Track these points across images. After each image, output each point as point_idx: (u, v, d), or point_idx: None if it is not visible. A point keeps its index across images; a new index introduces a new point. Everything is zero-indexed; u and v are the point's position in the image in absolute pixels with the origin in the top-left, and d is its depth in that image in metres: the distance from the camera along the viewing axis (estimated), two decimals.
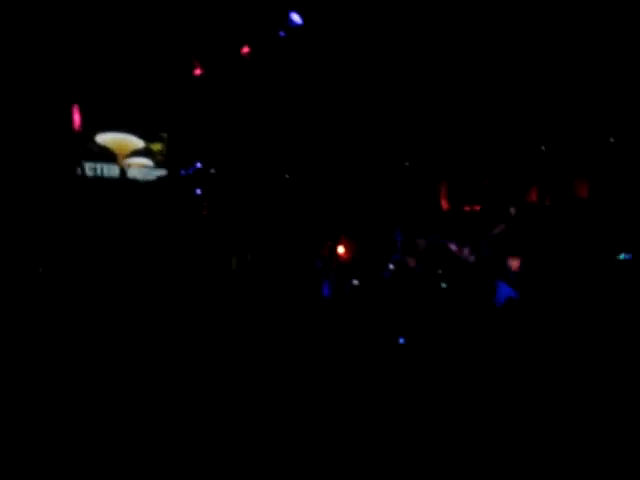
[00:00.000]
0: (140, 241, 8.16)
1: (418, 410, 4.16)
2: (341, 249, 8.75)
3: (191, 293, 7.37)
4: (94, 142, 9.51)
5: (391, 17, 7.99)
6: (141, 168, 9.86)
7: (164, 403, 4.33)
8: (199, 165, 9.39)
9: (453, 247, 7.13)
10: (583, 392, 4.41)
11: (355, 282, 7.29)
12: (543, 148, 8.10)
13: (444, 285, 6.70)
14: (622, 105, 7.69)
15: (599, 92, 7.65)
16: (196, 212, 9.04)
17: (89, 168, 9.48)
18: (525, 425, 3.93)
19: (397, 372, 4.95)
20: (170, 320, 6.35)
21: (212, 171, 9.33)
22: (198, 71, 8.41)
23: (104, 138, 9.58)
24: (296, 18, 7.48)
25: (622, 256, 7.02)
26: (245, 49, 8.13)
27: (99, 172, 9.50)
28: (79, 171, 9.26)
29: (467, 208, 8.53)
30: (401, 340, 4.27)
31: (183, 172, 9.37)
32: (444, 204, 8.63)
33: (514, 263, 6.59)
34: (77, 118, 8.88)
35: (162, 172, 9.71)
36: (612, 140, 7.74)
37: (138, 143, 9.78)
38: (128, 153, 9.76)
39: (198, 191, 9.36)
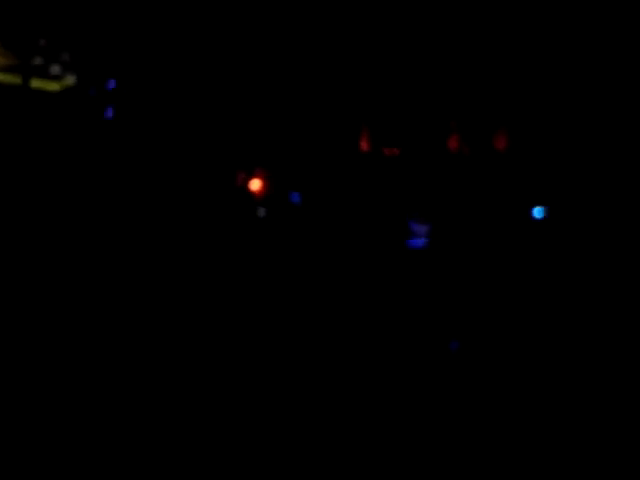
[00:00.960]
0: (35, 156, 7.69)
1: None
2: (255, 183, 8.54)
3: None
4: None
5: None
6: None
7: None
8: (112, 84, 8.86)
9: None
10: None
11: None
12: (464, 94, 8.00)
13: None
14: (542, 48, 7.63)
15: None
16: (105, 136, 8.56)
17: None
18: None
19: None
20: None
21: (125, 90, 8.81)
22: None
23: None
24: None
25: (537, 211, 7.08)
26: None
27: None
28: None
29: (386, 151, 8.42)
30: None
31: (92, 91, 8.83)
32: (364, 145, 8.47)
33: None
34: None
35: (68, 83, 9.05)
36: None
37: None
38: None
39: (110, 112, 8.84)
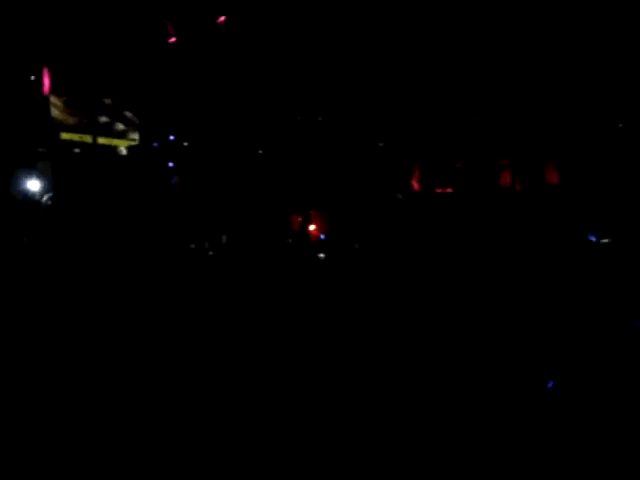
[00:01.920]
0: (110, 215, 8.05)
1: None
2: (312, 226, 8.75)
3: (161, 273, 7.30)
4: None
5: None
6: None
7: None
8: (172, 137, 9.28)
9: None
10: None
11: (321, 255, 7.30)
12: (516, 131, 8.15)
13: None
14: (599, 92, 7.75)
15: (573, 78, 7.69)
16: (168, 186, 8.94)
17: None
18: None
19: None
20: (140, 299, 6.27)
21: (185, 144, 9.23)
22: (173, 39, 8.32)
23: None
24: None
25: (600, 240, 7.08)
26: (221, 19, 8.05)
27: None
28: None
29: (439, 190, 8.57)
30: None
31: (155, 144, 9.26)
32: (415, 185, 8.65)
33: None
34: (47, 82, 8.73)
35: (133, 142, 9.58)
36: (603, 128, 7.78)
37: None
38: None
39: (170, 164, 9.25)
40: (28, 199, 8.20)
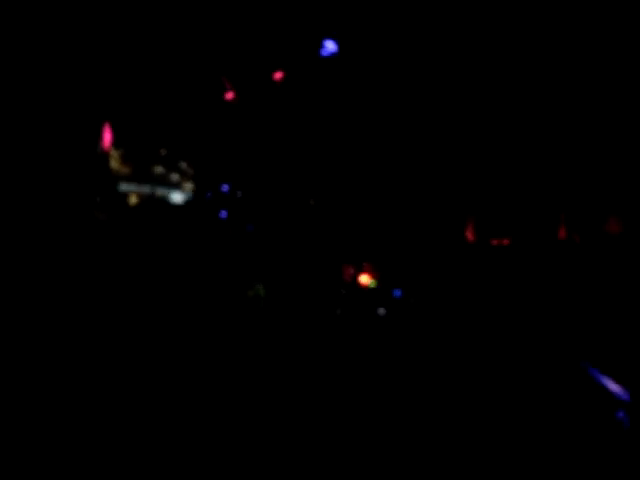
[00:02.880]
0: (164, 262, 8.17)
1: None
2: (364, 277, 8.68)
3: (210, 319, 7.34)
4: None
5: (422, 47, 8.01)
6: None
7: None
8: (225, 188, 9.43)
9: None
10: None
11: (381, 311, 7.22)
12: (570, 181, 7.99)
13: None
14: None
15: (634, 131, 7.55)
16: (221, 235, 9.05)
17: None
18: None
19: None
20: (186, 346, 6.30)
21: (238, 194, 9.36)
22: (230, 95, 8.49)
23: None
24: (330, 46, 7.53)
25: None
26: (278, 74, 8.18)
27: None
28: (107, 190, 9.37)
29: (495, 242, 8.42)
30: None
31: (209, 194, 9.42)
32: (470, 236, 8.52)
33: None
34: (108, 137, 9.00)
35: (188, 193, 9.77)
36: None
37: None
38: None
39: (224, 214, 9.37)
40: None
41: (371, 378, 5.73)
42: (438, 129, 8.46)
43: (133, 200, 9.18)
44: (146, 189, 9.17)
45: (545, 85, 7.79)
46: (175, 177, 9.51)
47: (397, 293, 8.49)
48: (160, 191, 9.30)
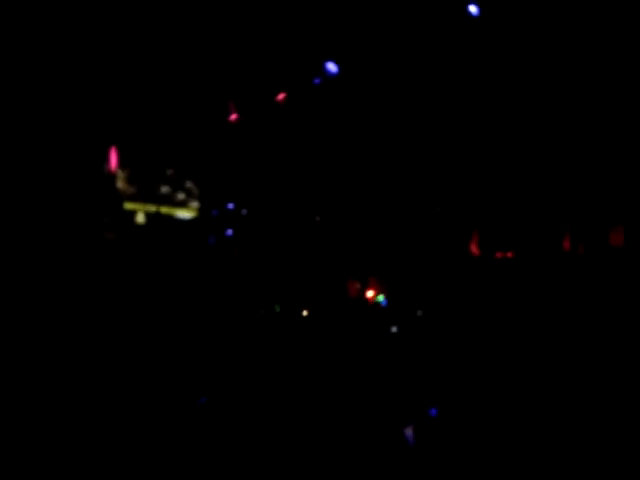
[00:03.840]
0: (169, 281, 8.25)
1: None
2: (370, 292, 8.74)
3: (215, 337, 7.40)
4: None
5: (425, 66, 8.11)
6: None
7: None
8: (231, 206, 9.51)
9: None
10: None
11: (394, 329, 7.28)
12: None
13: None
14: None
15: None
16: (227, 253, 9.13)
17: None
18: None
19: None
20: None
21: (244, 212, 9.44)
22: (234, 116, 8.64)
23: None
24: (332, 67, 7.67)
25: None
26: (281, 96, 8.32)
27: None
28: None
29: (499, 255, 8.48)
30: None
31: (215, 212, 9.51)
32: (474, 250, 8.58)
33: None
34: (114, 160, 9.13)
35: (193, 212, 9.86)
36: None
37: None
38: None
39: (229, 232, 9.45)
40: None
41: (377, 391, 5.78)
42: (441, 145, 8.55)
43: (140, 219, 9.28)
44: (152, 208, 9.28)
45: (549, 98, 7.87)
46: (181, 196, 9.61)
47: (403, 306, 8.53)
48: (166, 210, 9.40)
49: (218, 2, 7.71)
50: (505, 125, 8.29)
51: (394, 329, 7.79)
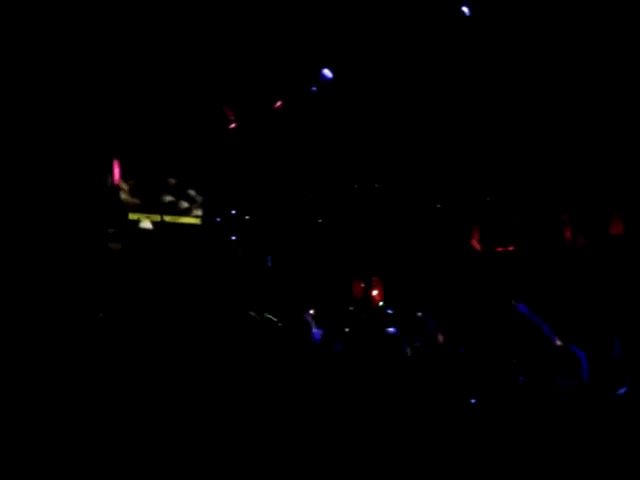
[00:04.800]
0: (175, 289, 8.36)
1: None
2: (375, 292, 8.85)
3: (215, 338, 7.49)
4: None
5: (418, 70, 8.13)
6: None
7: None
8: (234, 212, 9.62)
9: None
10: None
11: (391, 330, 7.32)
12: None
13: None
14: None
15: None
16: (231, 258, 9.26)
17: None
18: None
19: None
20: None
21: (247, 218, 9.56)
22: (234, 125, 8.70)
23: None
24: (327, 73, 7.69)
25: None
26: (278, 103, 8.38)
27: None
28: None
29: (500, 249, 8.57)
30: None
31: (218, 219, 9.62)
32: (476, 245, 8.67)
33: None
34: (117, 173, 9.24)
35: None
36: None
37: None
38: None
39: (233, 237, 9.58)
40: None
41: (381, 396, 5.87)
42: (439, 145, 8.57)
43: (144, 229, 9.38)
44: (156, 217, 9.37)
45: (549, 94, 7.87)
46: (184, 204, 9.70)
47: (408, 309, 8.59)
48: (170, 218, 9.50)
49: (219, 17, 7.75)
50: (504, 121, 8.30)
51: (393, 330, 7.86)
